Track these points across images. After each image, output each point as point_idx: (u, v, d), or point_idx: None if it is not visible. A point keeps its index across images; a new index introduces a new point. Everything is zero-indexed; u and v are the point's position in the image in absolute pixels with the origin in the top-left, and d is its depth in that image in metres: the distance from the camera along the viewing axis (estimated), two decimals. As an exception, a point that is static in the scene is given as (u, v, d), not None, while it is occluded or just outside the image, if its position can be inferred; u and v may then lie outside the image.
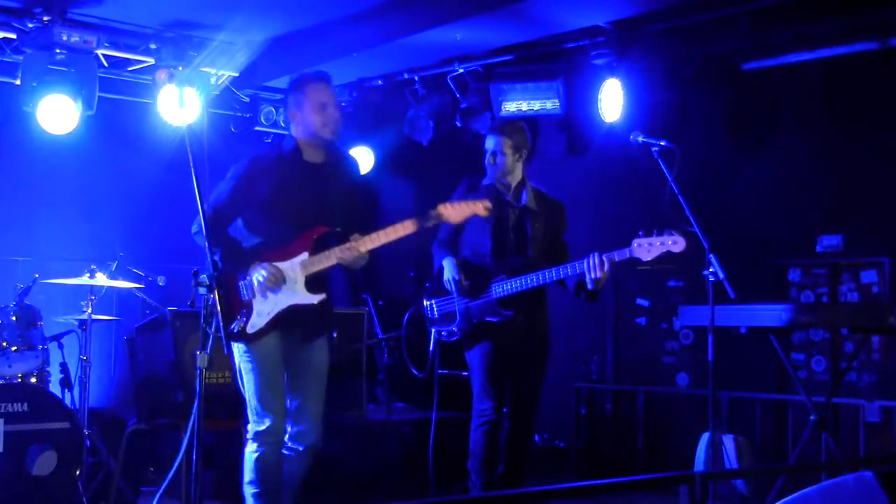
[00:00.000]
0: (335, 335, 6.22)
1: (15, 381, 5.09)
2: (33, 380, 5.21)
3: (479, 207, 4.21)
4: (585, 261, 4.55)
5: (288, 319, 4.09)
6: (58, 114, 5.75)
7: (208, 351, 3.58)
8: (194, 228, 4.07)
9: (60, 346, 5.62)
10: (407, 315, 5.43)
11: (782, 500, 2.63)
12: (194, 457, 3.70)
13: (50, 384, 5.43)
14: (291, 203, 4.11)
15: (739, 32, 5.66)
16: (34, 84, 5.66)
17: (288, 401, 4.18)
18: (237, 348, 4.12)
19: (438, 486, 5.24)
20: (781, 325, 4.79)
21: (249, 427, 4.14)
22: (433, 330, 5.02)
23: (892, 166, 6.30)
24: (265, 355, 4.10)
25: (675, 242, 4.42)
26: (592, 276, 4.53)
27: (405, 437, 6.40)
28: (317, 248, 4.09)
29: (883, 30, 5.80)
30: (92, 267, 5.50)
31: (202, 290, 3.57)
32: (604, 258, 4.52)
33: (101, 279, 5.48)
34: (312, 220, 4.12)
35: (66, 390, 5.61)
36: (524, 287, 4.71)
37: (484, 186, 4.97)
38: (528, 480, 4.98)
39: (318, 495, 5.84)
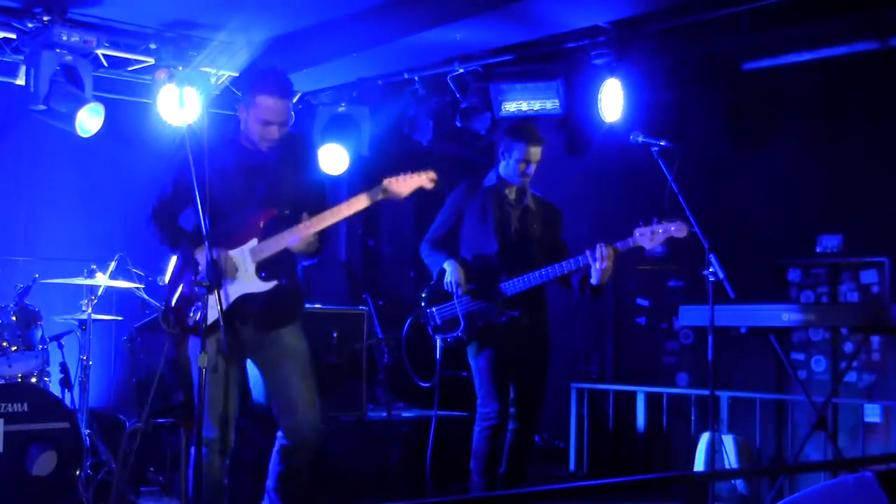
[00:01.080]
0: (335, 335, 6.23)
1: (15, 381, 5.09)
2: (33, 380, 5.21)
3: (424, 179, 4.08)
4: (592, 251, 4.55)
5: (242, 309, 3.95)
6: (92, 118, 5.79)
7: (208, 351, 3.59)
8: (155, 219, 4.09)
9: (60, 346, 5.61)
10: (408, 323, 5.39)
11: (782, 501, 2.63)
12: (193, 457, 3.71)
13: (50, 384, 5.42)
14: (237, 188, 3.97)
15: (739, 32, 5.66)
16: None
17: (271, 399, 4.06)
18: (191, 344, 4.01)
19: (438, 486, 5.23)
20: (781, 325, 4.79)
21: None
22: (438, 338, 4.94)
23: (892, 166, 6.31)
24: (213, 353, 3.90)
25: (676, 228, 4.43)
26: (599, 265, 4.53)
27: (405, 437, 6.40)
28: (266, 234, 3.95)
29: (883, 30, 5.80)
30: (92, 267, 5.50)
31: (202, 290, 3.58)
32: (608, 247, 4.54)
33: (101, 279, 5.48)
34: (260, 205, 3.98)
35: (66, 390, 5.61)
36: (532, 283, 4.71)
37: (486, 188, 4.96)
38: (527, 480, 4.98)
39: (318, 495, 5.85)
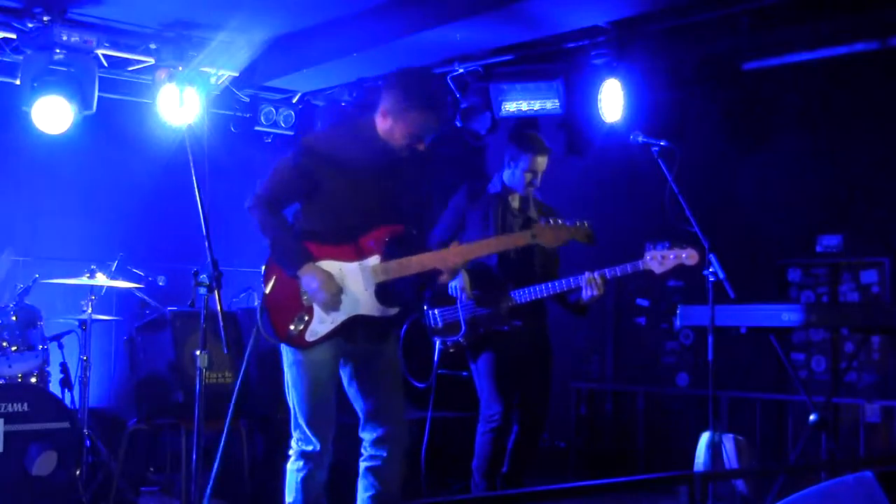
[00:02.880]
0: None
1: (15, 381, 5.09)
2: (33, 380, 5.21)
3: (579, 234, 3.98)
4: (580, 277, 4.55)
5: (351, 329, 3.64)
6: (53, 114, 5.73)
7: (208, 351, 3.58)
8: (248, 203, 3.64)
9: (60, 346, 5.61)
10: (406, 324, 5.40)
11: (782, 501, 2.63)
12: (194, 457, 3.70)
13: (50, 384, 5.42)
14: (364, 192, 3.63)
15: (739, 32, 5.66)
16: (34, 84, 5.64)
17: (362, 404, 3.78)
18: (287, 354, 3.71)
19: (439, 485, 5.23)
20: (781, 325, 4.79)
21: (294, 443, 3.75)
22: (437, 340, 4.96)
23: (892, 166, 6.31)
24: (319, 368, 3.66)
25: (687, 255, 4.44)
26: (590, 291, 4.54)
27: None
28: (389, 251, 3.62)
29: (883, 30, 5.80)
30: (92, 267, 5.50)
31: (202, 291, 3.56)
32: (597, 276, 4.53)
33: (101, 279, 5.48)
34: (382, 215, 3.65)
35: (66, 390, 5.61)
36: (539, 296, 4.72)
37: (490, 194, 4.96)
38: (528, 480, 4.99)
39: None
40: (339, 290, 3.59)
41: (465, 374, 5.01)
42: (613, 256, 4.67)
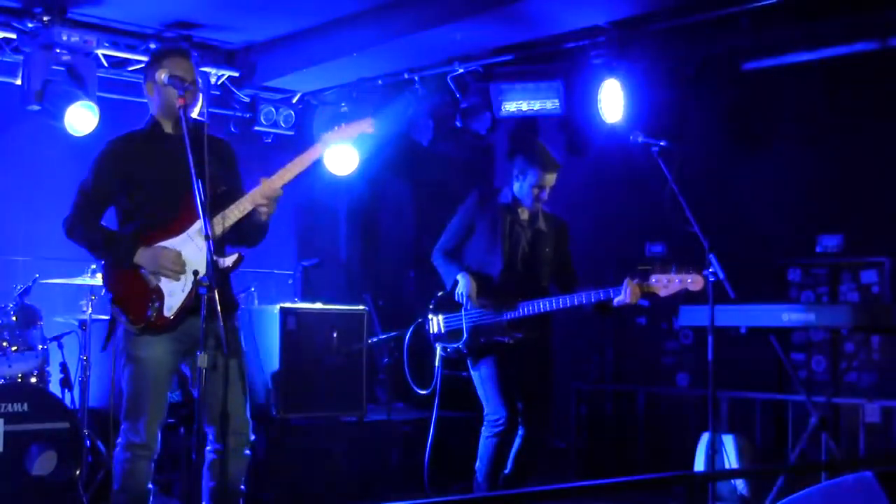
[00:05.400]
0: (335, 335, 6.22)
1: (15, 381, 5.09)
2: (33, 380, 5.21)
3: (366, 125, 4.00)
4: (619, 288, 4.56)
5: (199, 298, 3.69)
6: (84, 117, 5.79)
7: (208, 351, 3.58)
8: (65, 227, 3.93)
9: (60, 346, 5.61)
10: (410, 330, 5.39)
11: (782, 501, 2.63)
12: (194, 457, 3.71)
13: (50, 384, 5.42)
14: (165, 177, 3.82)
15: (739, 32, 5.66)
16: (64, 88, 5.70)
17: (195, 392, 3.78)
18: (126, 351, 3.84)
19: (439, 486, 5.23)
20: (781, 325, 4.79)
21: (124, 434, 3.82)
22: (438, 346, 4.98)
23: (892, 166, 6.30)
24: (158, 365, 3.78)
25: (692, 281, 4.44)
26: (624, 300, 4.57)
27: (405, 437, 6.40)
28: (212, 212, 3.78)
29: (883, 30, 5.80)
30: (92, 267, 5.50)
31: (202, 290, 3.56)
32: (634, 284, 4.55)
33: (102, 279, 5.47)
34: (186, 190, 3.76)
35: (66, 390, 5.61)
36: (548, 310, 4.72)
37: (500, 204, 4.96)
38: (529, 481, 4.99)
39: (319, 495, 5.86)
40: (178, 255, 3.78)
41: (465, 374, 5.01)
42: (613, 256, 4.68)
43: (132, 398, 3.81)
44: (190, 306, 3.76)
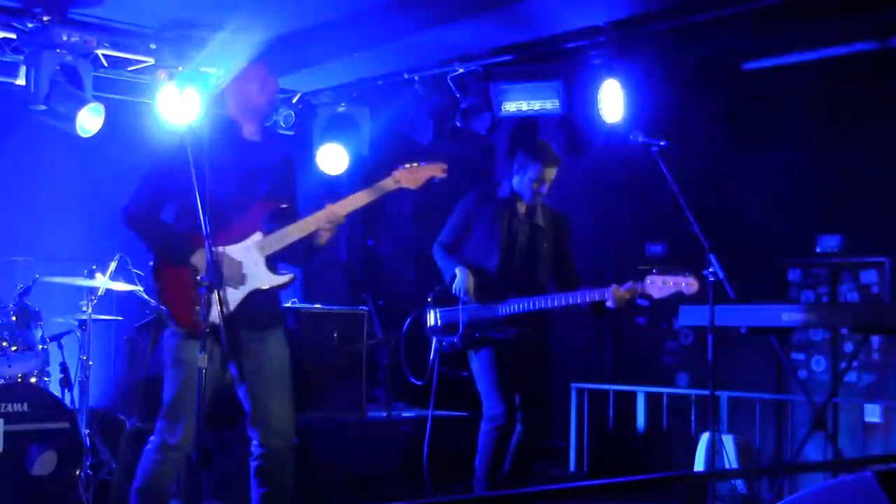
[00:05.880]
0: (335, 335, 6.23)
1: (15, 381, 5.09)
2: (33, 380, 5.21)
3: (437, 170, 4.09)
4: (609, 288, 4.56)
5: (249, 308, 3.82)
6: (93, 118, 5.80)
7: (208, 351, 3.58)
8: (124, 218, 3.87)
9: (60, 346, 5.61)
10: (408, 320, 5.41)
11: (782, 501, 2.62)
12: (194, 457, 3.71)
13: (50, 384, 5.42)
14: (230, 182, 3.84)
15: (739, 32, 5.66)
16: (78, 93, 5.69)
17: (249, 404, 3.88)
18: (171, 352, 3.85)
19: (439, 485, 5.24)
20: (781, 325, 4.79)
21: (159, 433, 3.81)
22: (434, 339, 5.00)
23: (892, 167, 6.31)
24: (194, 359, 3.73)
25: (688, 284, 4.45)
26: (609, 305, 4.57)
27: (405, 437, 6.40)
28: (268, 227, 3.86)
29: (883, 30, 5.80)
30: (92, 267, 5.50)
31: (202, 291, 3.57)
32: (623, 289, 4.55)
33: (101, 279, 5.48)
34: (252, 199, 3.89)
35: (66, 390, 5.61)
36: (539, 307, 4.73)
37: (499, 199, 4.97)
38: (528, 480, 4.99)
39: (319, 495, 5.85)
40: (239, 266, 3.80)
41: (465, 373, 5.02)
42: (613, 256, 4.68)
43: (173, 400, 3.79)
44: (236, 317, 3.77)
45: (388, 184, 4.03)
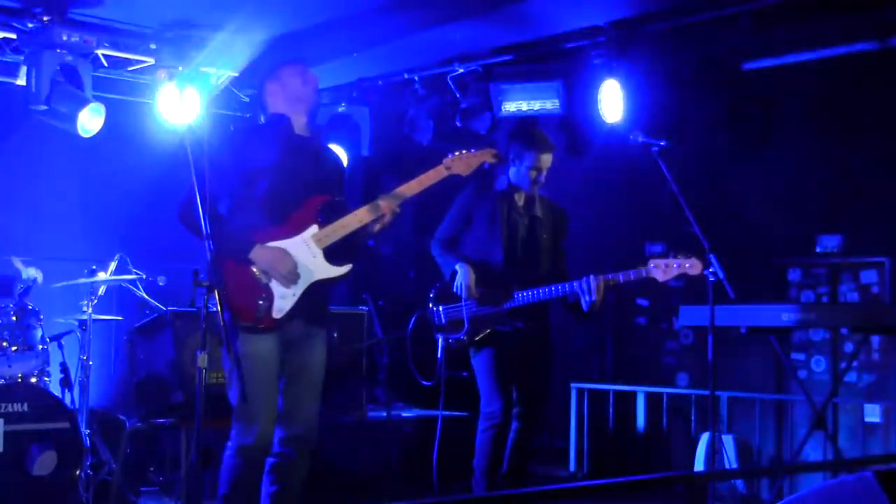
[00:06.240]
0: (335, 335, 6.22)
1: (15, 381, 5.09)
2: (33, 380, 5.21)
3: (488, 155, 4.16)
4: (586, 280, 4.56)
5: (311, 299, 3.82)
6: (93, 118, 5.77)
7: (208, 350, 3.58)
8: (179, 211, 3.80)
9: (60, 346, 5.61)
10: (413, 319, 5.40)
11: (782, 501, 2.63)
12: (194, 457, 3.70)
13: (50, 384, 5.42)
14: (285, 176, 3.87)
15: (739, 32, 5.66)
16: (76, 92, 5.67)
17: (280, 400, 3.87)
18: (240, 342, 3.77)
19: (439, 485, 5.24)
20: (781, 325, 4.79)
21: (234, 436, 3.80)
22: (440, 337, 4.98)
23: (893, 166, 6.31)
24: (266, 359, 3.78)
25: (691, 265, 4.45)
26: (588, 297, 4.56)
27: (405, 437, 6.40)
28: (324, 219, 3.87)
29: (883, 30, 5.80)
30: (92, 267, 5.50)
31: (202, 290, 3.56)
32: (601, 281, 4.54)
33: (102, 279, 5.48)
34: (306, 192, 3.89)
35: (66, 390, 5.61)
36: (539, 299, 4.73)
37: (497, 192, 4.97)
38: (528, 480, 4.99)
39: (319, 495, 5.85)
40: (295, 264, 3.79)
41: (465, 374, 5.02)
42: (613, 256, 4.68)
43: (243, 399, 3.72)
44: (297, 311, 3.78)
45: (440, 171, 4.04)
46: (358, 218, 3.87)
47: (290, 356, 3.88)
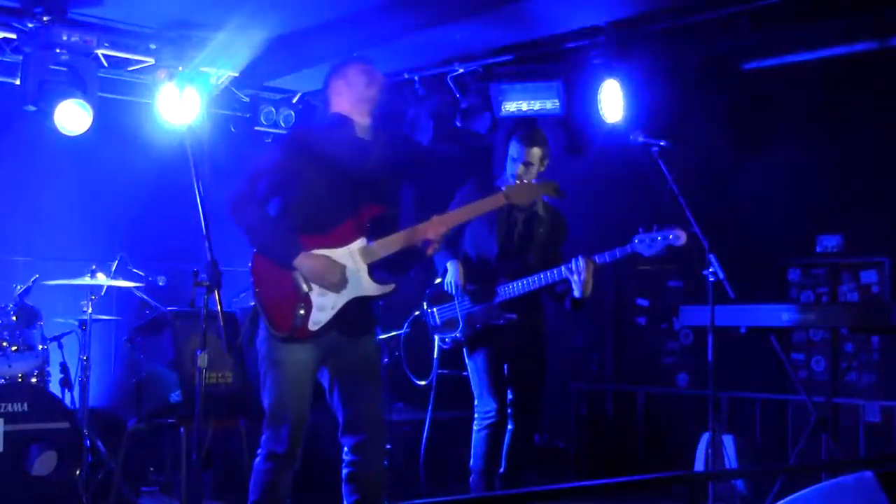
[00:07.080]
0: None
1: (15, 381, 5.09)
2: (33, 380, 5.21)
3: (549, 189, 4.13)
4: (568, 264, 4.56)
5: (348, 314, 3.70)
6: (74, 116, 5.72)
7: (208, 350, 3.58)
8: (230, 207, 3.68)
9: (60, 347, 5.62)
10: (408, 322, 5.40)
11: (782, 501, 2.62)
12: (194, 457, 3.71)
13: (50, 384, 5.43)
14: (339, 180, 3.72)
15: (739, 32, 5.66)
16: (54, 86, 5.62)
17: (342, 410, 3.79)
18: (270, 353, 3.71)
19: (438, 485, 5.24)
20: (781, 325, 4.79)
21: (264, 443, 3.72)
22: (437, 337, 5.00)
23: (892, 166, 6.31)
24: (301, 368, 3.68)
25: (675, 237, 4.44)
26: (579, 279, 4.54)
27: (405, 437, 6.40)
28: (373, 233, 3.72)
29: (883, 30, 5.80)
30: (92, 267, 5.50)
31: (202, 290, 3.56)
32: (585, 260, 4.54)
33: (101, 279, 5.48)
34: (359, 201, 3.74)
35: (66, 390, 5.61)
36: (526, 289, 4.72)
37: (497, 188, 4.96)
38: (528, 480, 4.99)
39: (319, 495, 5.86)
40: (343, 273, 3.66)
41: (465, 373, 5.02)
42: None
43: (274, 405, 3.68)
44: (334, 324, 3.67)
45: (499, 199, 3.92)
46: (409, 237, 3.72)
47: (334, 361, 3.77)
